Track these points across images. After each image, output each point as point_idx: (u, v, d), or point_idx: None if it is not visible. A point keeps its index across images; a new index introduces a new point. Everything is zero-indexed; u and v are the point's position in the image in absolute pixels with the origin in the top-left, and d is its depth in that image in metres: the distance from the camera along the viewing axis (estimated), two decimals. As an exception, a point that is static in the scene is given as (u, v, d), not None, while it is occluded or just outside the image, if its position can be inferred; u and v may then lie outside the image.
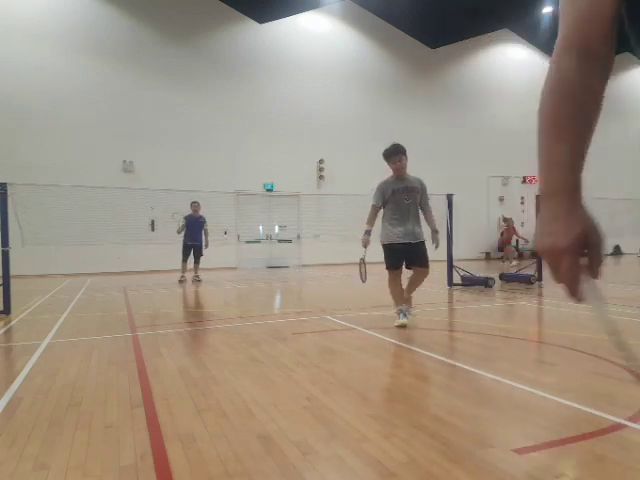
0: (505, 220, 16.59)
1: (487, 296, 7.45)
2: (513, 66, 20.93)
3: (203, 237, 10.57)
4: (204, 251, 10.68)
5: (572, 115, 0.79)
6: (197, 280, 10.51)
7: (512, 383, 2.96)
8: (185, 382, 3.10)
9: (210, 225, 10.79)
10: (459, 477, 1.80)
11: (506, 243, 15.89)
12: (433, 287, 8.39)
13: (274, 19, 16.34)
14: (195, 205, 10.55)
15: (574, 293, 0.77)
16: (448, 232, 8.38)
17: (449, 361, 3.57)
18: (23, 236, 7.37)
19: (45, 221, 11.31)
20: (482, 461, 1.92)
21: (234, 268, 15.31)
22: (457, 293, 7.88)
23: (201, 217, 10.57)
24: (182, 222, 10.45)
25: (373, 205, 5.07)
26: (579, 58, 0.79)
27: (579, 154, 0.78)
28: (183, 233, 10.52)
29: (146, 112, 14.58)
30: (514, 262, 14.98)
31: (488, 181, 19.41)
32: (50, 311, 6.43)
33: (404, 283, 5.07)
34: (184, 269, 10.59)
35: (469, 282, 8.56)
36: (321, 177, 17.00)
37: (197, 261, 10.61)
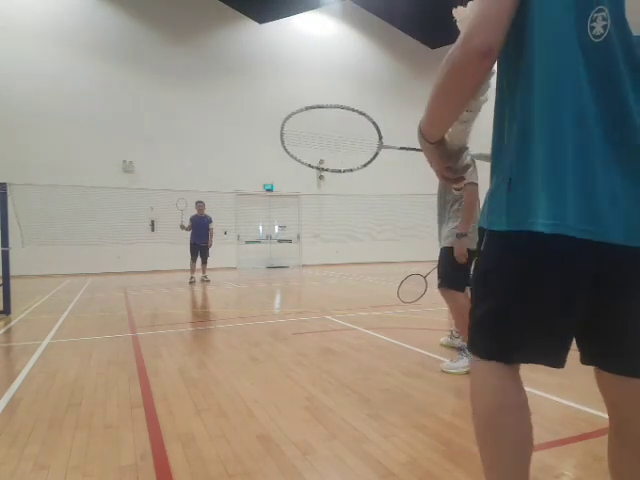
0: None
1: (487, 296, 7.44)
2: (513, 66, 20.95)
3: (209, 237, 10.47)
4: (212, 250, 10.58)
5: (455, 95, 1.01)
6: (205, 281, 10.45)
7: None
8: (185, 382, 3.10)
9: (213, 226, 10.66)
10: (459, 477, 1.80)
11: None
12: (433, 287, 8.38)
13: (274, 19, 16.34)
14: (200, 205, 10.49)
15: (446, 179, 1.22)
16: (448, 232, 8.35)
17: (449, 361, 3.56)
18: (23, 236, 7.38)
19: (45, 221, 11.34)
20: (482, 461, 1.92)
21: (234, 268, 15.31)
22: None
23: (206, 217, 10.49)
24: (188, 223, 10.39)
25: (475, 184, 3.12)
26: (478, 54, 0.94)
27: (448, 123, 1.11)
28: (190, 233, 10.42)
29: (146, 112, 14.57)
30: None
31: (488, 181, 19.44)
32: (50, 311, 6.43)
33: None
34: (193, 269, 10.47)
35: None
36: (321, 177, 16.99)
37: (204, 261, 10.52)
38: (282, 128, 1.96)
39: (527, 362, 1.09)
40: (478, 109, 1.22)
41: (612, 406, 1.11)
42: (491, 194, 1.11)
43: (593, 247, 0.96)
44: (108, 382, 3.14)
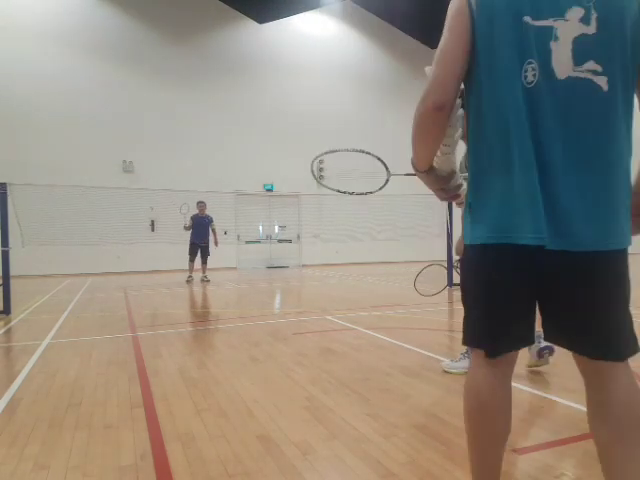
0: None
1: (487, 296, 7.43)
2: (513, 66, 20.96)
3: (211, 236, 10.56)
4: (212, 250, 10.67)
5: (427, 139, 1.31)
6: (205, 280, 10.49)
7: (512, 383, 2.95)
8: (185, 382, 3.10)
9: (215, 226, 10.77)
10: (459, 477, 1.80)
11: None
12: (433, 287, 8.37)
13: (274, 19, 16.34)
14: (201, 205, 10.57)
15: (442, 197, 1.48)
16: (448, 232, 8.38)
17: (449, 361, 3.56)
18: (23, 236, 7.37)
19: (45, 221, 11.33)
20: (482, 461, 1.92)
21: (234, 268, 15.31)
22: (457, 293, 7.88)
23: (207, 217, 10.58)
24: (189, 222, 10.47)
25: None
26: (433, 109, 1.21)
27: (428, 158, 1.36)
28: (190, 232, 10.54)
29: (146, 112, 14.58)
30: None
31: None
32: (50, 311, 6.43)
33: None
34: (191, 269, 10.59)
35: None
36: (321, 177, 16.99)
37: (204, 261, 10.62)
38: (312, 166, 2.45)
39: (506, 348, 1.27)
40: (454, 143, 1.42)
41: (588, 386, 1.32)
42: (463, 215, 1.36)
43: (540, 254, 1.16)
44: (108, 382, 3.14)
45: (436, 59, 1.24)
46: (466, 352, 3.22)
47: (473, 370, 1.33)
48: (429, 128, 1.26)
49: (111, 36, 14.32)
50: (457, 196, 1.51)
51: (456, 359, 3.28)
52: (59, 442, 2.19)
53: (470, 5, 1.19)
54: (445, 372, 3.21)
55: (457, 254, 3.17)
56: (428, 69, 1.31)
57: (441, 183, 1.43)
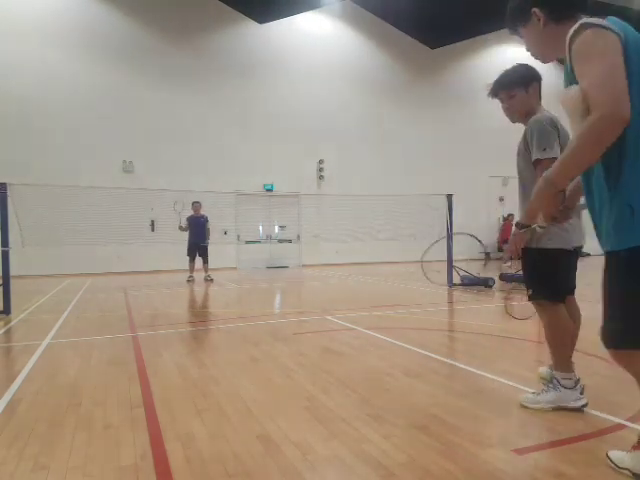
0: (506, 218, 16.84)
1: (487, 296, 7.45)
2: (513, 66, 20.92)
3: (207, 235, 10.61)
4: (212, 250, 10.73)
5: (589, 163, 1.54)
6: (208, 280, 10.51)
7: (512, 383, 2.95)
8: (185, 382, 3.10)
9: (210, 225, 10.81)
10: (459, 477, 1.80)
11: (505, 241, 15.96)
12: (433, 287, 8.38)
13: (274, 19, 16.33)
14: (196, 205, 10.60)
15: (555, 217, 1.75)
16: (448, 232, 8.40)
17: (449, 361, 3.56)
18: (23, 236, 7.37)
19: (45, 221, 11.31)
20: (482, 461, 1.92)
21: (234, 268, 15.31)
22: (457, 293, 7.88)
23: (202, 216, 10.63)
24: (185, 224, 10.47)
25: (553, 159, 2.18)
26: (623, 123, 1.39)
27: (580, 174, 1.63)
28: (188, 233, 10.56)
29: (146, 112, 14.57)
30: (508, 262, 14.79)
31: (488, 181, 19.40)
32: (50, 311, 6.43)
33: None
34: (192, 269, 10.61)
35: (469, 282, 8.56)
36: (321, 177, 16.98)
37: (205, 261, 10.64)
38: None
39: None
40: None
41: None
42: (614, 222, 1.51)
43: None
44: (108, 382, 3.14)
45: (609, 81, 1.41)
46: (550, 381, 2.58)
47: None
48: (609, 140, 1.43)
49: (111, 36, 14.31)
50: (568, 217, 1.74)
51: (538, 391, 2.58)
52: (59, 442, 2.19)
53: (622, 40, 1.49)
54: (523, 406, 2.53)
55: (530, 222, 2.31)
56: (573, 90, 1.49)
57: (561, 203, 1.68)
